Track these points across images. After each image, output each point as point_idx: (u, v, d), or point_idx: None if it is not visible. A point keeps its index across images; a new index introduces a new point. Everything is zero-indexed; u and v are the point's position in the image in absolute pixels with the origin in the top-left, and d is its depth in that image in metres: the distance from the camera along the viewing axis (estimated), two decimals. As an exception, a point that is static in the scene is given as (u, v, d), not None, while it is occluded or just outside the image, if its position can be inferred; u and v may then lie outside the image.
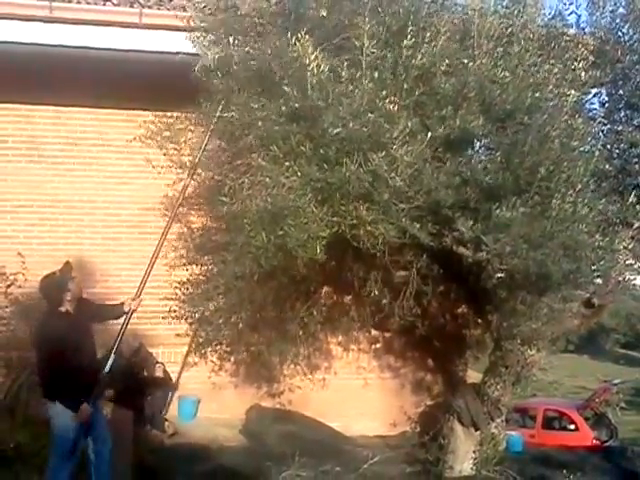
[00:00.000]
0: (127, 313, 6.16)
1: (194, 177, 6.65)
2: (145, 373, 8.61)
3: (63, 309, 5.83)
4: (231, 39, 5.87)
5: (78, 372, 5.65)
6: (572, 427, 14.29)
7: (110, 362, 5.84)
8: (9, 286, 8.37)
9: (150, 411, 8.39)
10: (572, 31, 6.21)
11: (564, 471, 7.82)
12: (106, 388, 6.15)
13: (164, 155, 6.93)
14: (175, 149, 6.92)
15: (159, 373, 8.61)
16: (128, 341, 7.88)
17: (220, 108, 5.79)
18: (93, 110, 8.97)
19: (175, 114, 7.10)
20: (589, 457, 9.89)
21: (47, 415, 5.83)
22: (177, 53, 6.55)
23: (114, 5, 7.96)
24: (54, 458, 5.76)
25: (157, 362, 8.68)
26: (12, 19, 7.53)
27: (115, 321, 6.37)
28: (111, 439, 6.07)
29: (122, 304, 6.26)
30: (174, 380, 8.97)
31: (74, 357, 5.67)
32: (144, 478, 6.38)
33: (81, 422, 5.72)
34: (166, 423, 8.53)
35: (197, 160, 6.34)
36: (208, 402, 8.92)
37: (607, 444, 13.57)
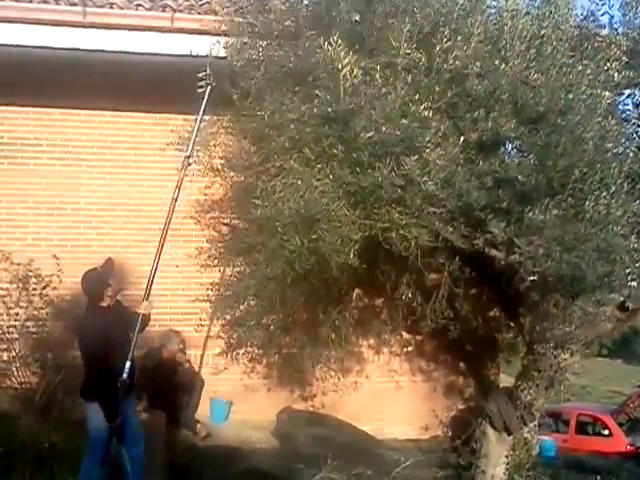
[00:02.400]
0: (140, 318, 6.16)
1: (225, 179, 6.66)
2: (177, 374, 8.65)
3: (104, 304, 5.89)
4: (263, 42, 5.89)
5: (116, 369, 5.70)
6: (606, 432, 14.14)
7: (127, 368, 5.82)
8: (44, 288, 8.48)
9: (183, 413, 8.44)
10: (605, 31, 6.13)
11: (598, 477, 7.77)
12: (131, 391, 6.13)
13: (194, 161, 6.95)
14: (206, 153, 6.94)
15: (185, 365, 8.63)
16: (164, 340, 7.93)
17: (252, 109, 5.79)
18: (126, 114, 9.07)
19: (206, 117, 7.13)
20: (623, 462, 9.81)
21: (84, 414, 5.88)
22: (208, 56, 6.58)
23: (146, 10, 8.03)
24: (88, 458, 5.82)
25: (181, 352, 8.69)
26: (46, 24, 7.62)
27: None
28: (144, 440, 6.11)
29: (144, 316, 6.27)
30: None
31: (113, 353, 5.72)
32: (176, 479, 6.41)
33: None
34: (198, 425, 8.57)
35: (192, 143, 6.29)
36: (240, 404, 8.95)
37: (641, 450, 13.40)
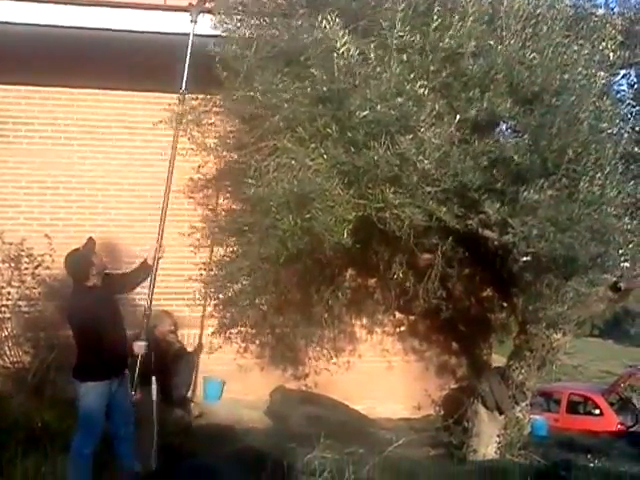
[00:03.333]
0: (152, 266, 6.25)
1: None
2: (170, 354, 8.64)
3: (90, 283, 5.87)
4: (257, 21, 5.85)
5: (108, 347, 5.69)
6: (597, 412, 14.20)
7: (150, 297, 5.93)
8: (36, 267, 8.45)
9: (175, 392, 8.44)
10: (600, 11, 6.12)
11: (589, 455, 7.80)
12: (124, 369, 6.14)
13: (188, 138, 6.91)
14: (199, 132, 6.90)
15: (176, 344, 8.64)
16: (157, 319, 7.93)
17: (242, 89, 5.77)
18: (118, 93, 8.99)
19: (199, 97, 7.09)
20: (614, 442, 9.87)
21: (76, 394, 5.87)
22: (200, 35, 6.54)
23: (139, -13, 7.96)
24: (79, 437, 5.82)
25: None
26: (36, 2, 7.54)
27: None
28: (135, 419, 6.12)
29: (145, 260, 6.30)
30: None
31: (104, 332, 5.71)
32: (169, 459, 6.42)
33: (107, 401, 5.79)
34: (191, 404, 8.58)
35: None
36: (233, 384, 8.95)
37: (632, 429, 13.49)
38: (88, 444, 5.77)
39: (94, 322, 5.71)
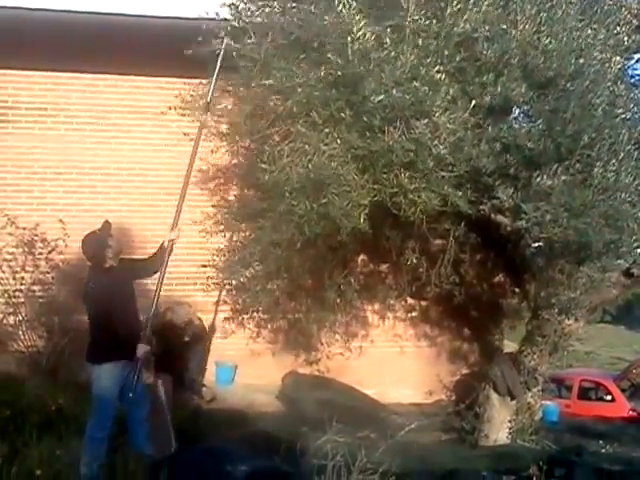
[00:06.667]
0: (167, 248, 6.19)
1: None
2: (186, 338, 8.68)
3: (107, 265, 5.90)
4: (270, 5, 5.83)
5: (123, 328, 5.72)
6: (608, 398, 14.16)
7: (155, 304, 5.89)
8: (50, 252, 8.50)
9: (189, 376, 8.49)
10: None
11: (600, 441, 7.79)
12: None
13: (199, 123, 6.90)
14: (211, 118, 6.88)
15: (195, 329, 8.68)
16: (170, 304, 7.96)
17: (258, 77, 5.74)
18: (130, 78, 9.02)
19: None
20: (625, 428, 9.85)
21: (89, 377, 5.90)
22: (213, 19, 6.50)
23: (150, -29, 7.94)
24: (93, 420, 5.84)
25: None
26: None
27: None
28: (149, 403, 6.14)
29: (161, 245, 6.30)
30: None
31: (119, 313, 5.74)
32: (182, 442, 6.45)
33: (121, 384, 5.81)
34: (204, 388, 8.63)
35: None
36: (245, 368, 8.99)
37: (643, 415, 13.47)
38: (102, 428, 5.79)
39: (110, 303, 5.74)
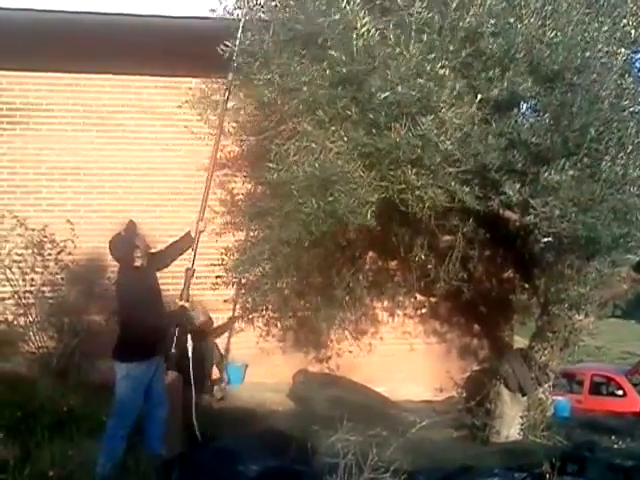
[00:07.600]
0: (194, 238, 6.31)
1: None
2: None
3: (137, 264, 5.91)
4: (274, 2, 5.81)
5: (152, 326, 5.74)
6: (620, 393, 14.11)
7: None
8: (59, 253, 8.51)
9: (200, 375, 8.48)
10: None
11: (612, 437, 7.76)
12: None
13: (205, 123, 6.90)
14: (217, 115, 6.88)
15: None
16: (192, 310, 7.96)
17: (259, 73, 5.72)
18: (137, 78, 9.02)
19: (220, 80, 7.07)
20: (637, 423, 9.80)
21: (114, 376, 5.87)
22: (219, 18, 6.49)
23: (158, -29, 7.93)
24: (115, 419, 5.81)
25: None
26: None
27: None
28: (169, 404, 6.13)
29: (188, 232, 6.33)
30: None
31: (149, 311, 5.77)
32: (193, 442, 6.45)
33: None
34: (215, 387, 8.63)
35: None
36: (256, 367, 9.00)
37: (656, 410, 13.42)
38: (124, 426, 5.79)
39: (141, 302, 5.78)
